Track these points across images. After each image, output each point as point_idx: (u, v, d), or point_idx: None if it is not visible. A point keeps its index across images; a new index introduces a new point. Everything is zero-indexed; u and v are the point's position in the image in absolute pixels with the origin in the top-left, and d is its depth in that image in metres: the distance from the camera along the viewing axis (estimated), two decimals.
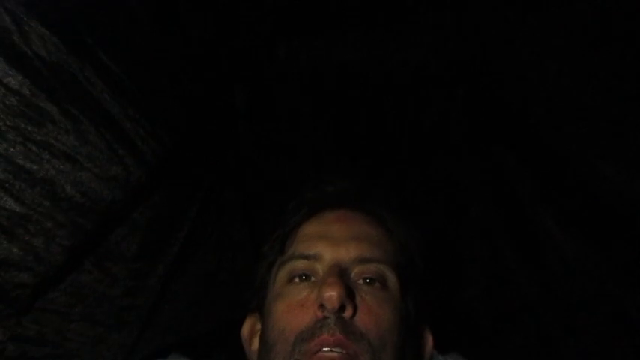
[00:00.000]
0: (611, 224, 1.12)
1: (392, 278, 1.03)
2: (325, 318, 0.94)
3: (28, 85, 0.88)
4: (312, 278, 1.02)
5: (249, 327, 1.12)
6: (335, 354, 0.91)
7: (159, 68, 1.08)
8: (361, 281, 1.01)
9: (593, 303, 1.16)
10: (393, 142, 1.39)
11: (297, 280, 1.03)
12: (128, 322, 1.24)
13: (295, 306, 0.99)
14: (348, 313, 0.95)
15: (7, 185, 0.94)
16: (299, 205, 1.14)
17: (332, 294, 0.93)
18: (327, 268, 1.01)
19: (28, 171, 0.95)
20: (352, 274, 1.01)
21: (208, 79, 1.21)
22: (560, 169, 1.18)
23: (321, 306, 0.94)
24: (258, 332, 1.09)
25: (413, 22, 1.23)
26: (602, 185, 1.09)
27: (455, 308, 1.33)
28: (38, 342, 1.12)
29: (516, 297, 1.30)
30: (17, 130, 0.90)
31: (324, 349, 0.92)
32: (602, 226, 1.14)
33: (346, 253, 1.02)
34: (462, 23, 1.21)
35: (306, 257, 1.04)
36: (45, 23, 0.85)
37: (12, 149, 0.92)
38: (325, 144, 1.41)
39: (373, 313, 0.97)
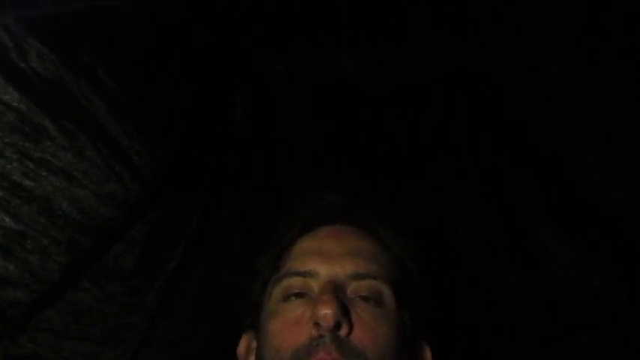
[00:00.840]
0: (608, 232, 1.14)
1: (388, 294, 1.02)
2: (321, 336, 0.94)
3: (25, 102, 0.90)
4: (308, 296, 1.02)
5: (245, 345, 1.12)
6: None
7: (156, 84, 1.09)
8: (357, 298, 1.00)
9: (592, 312, 1.18)
10: (392, 151, 1.40)
11: (292, 297, 1.03)
12: (124, 340, 1.25)
13: (290, 324, 0.98)
14: (344, 331, 0.94)
15: (3, 202, 0.96)
16: (292, 221, 1.14)
17: (327, 312, 0.92)
18: (322, 285, 1.00)
19: (24, 188, 0.96)
20: (348, 291, 1.01)
21: (207, 92, 1.23)
22: (558, 177, 1.20)
23: (317, 324, 0.94)
24: (254, 351, 1.08)
25: (411, 30, 1.25)
26: (598, 192, 1.11)
27: (454, 322, 1.33)
28: None
29: (516, 309, 1.31)
30: (14, 146, 0.92)
31: None
32: (600, 234, 1.16)
33: (341, 269, 1.02)
34: (461, 31, 1.22)
35: (301, 274, 1.03)
36: (43, 40, 0.87)
37: (8, 166, 0.93)
38: (326, 155, 1.41)
39: (370, 331, 0.96)
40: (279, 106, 1.37)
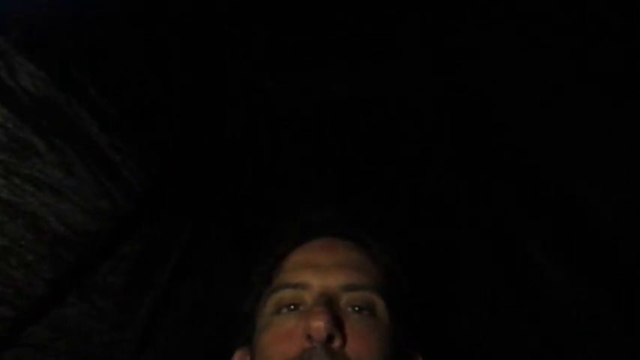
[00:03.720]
0: (598, 251, 1.16)
1: (381, 305, 1.05)
2: (313, 349, 0.97)
3: (12, 119, 0.94)
4: (300, 308, 1.05)
5: None
6: None
7: (147, 101, 1.12)
8: (350, 309, 1.03)
9: (583, 331, 1.21)
10: (380, 171, 1.43)
11: (284, 310, 1.06)
12: (114, 357, 1.28)
13: (282, 336, 1.01)
14: (337, 343, 0.97)
15: None
16: (285, 235, 1.18)
17: (319, 324, 0.95)
18: (314, 297, 1.03)
19: (10, 204, 1.00)
20: (341, 303, 1.04)
21: (198, 108, 1.26)
22: (548, 196, 1.22)
23: (309, 337, 0.97)
24: None
25: (397, 53, 1.27)
26: (587, 212, 1.14)
27: (445, 333, 1.35)
28: None
29: (507, 322, 1.33)
30: (0, 163, 0.95)
31: None
32: (590, 254, 1.18)
33: (333, 280, 1.05)
34: (446, 52, 1.24)
35: (293, 286, 1.07)
36: (32, 59, 0.91)
37: None
38: (315, 174, 1.44)
39: (364, 342, 0.99)
40: (269, 120, 1.40)
